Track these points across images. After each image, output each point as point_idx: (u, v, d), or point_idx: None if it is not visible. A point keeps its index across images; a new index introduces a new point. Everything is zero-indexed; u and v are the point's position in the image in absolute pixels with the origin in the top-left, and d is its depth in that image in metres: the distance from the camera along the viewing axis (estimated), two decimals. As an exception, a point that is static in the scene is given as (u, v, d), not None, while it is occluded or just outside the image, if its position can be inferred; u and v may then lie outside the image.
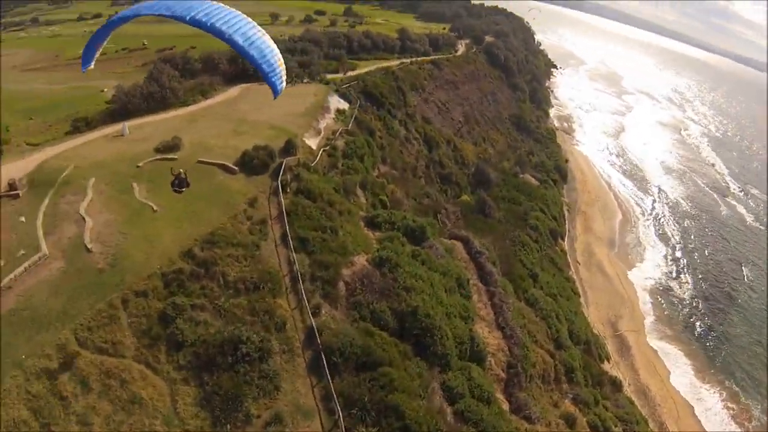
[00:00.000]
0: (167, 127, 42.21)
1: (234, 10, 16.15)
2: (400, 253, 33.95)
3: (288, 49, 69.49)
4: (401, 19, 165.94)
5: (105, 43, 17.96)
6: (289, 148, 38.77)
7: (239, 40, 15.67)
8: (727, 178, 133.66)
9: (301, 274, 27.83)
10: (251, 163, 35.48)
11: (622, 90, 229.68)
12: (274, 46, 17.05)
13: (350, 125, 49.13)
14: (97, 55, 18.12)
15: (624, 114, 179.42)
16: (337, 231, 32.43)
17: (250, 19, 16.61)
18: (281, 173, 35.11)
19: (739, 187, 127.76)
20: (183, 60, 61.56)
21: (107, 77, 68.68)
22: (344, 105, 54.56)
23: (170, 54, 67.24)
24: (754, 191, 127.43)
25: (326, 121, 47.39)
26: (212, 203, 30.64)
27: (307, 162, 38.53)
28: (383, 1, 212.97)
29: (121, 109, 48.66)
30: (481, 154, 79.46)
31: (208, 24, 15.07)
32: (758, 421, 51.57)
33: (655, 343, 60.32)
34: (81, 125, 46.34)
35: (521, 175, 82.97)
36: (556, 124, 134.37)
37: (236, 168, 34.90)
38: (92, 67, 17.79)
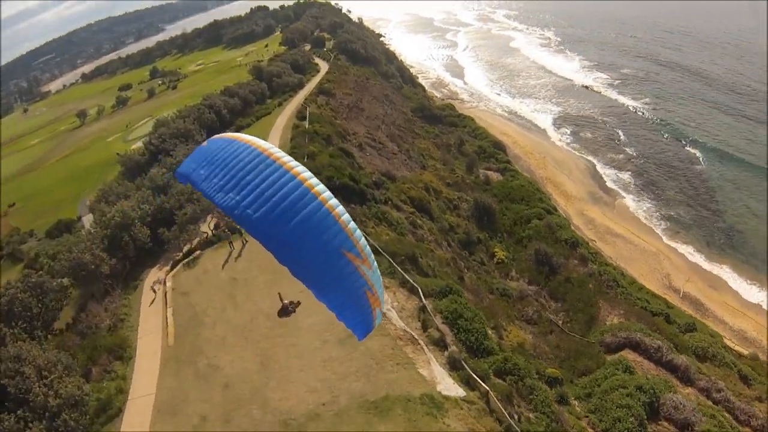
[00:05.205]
0: None
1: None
2: None
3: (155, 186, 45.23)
4: (212, 56, 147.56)
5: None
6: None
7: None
8: (599, 73, 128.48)
9: None
10: None
11: (441, 30, 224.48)
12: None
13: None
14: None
15: (464, 50, 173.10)
16: None
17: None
18: None
19: (615, 76, 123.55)
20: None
21: None
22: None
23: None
24: (626, 71, 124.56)
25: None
26: None
27: None
28: (182, 47, 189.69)
29: None
30: (444, 177, 64.46)
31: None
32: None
33: (709, 276, 56.23)
34: None
35: (481, 175, 71.41)
36: (437, 94, 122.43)
37: None
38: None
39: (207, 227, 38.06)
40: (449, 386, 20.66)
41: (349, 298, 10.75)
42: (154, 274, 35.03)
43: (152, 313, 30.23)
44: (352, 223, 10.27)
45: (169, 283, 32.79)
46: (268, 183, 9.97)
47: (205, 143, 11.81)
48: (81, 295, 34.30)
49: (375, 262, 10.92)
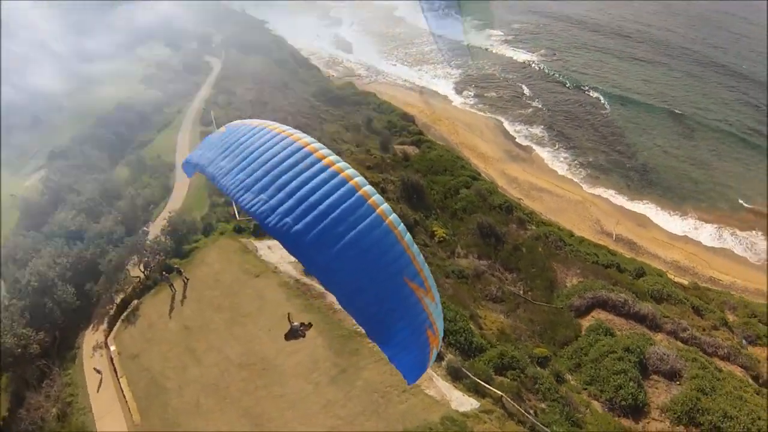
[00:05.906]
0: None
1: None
2: None
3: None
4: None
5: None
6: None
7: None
8: (491, 31, 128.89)
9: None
10: None
11: (324, 7, 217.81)
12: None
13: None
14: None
15: (351, 25, 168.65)
16: None
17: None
18: None
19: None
20: None
21: None
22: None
23: None
24: (516, 26, 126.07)
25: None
26: None
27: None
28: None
29: None
30: (362, 160, 61.81)
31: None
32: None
33: (634, 215, 59.90)
34: None
35: (398, 152, 69.28)
36: (334, 73, 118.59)
37: None
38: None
39: (138, 269, 33.25)
40: (460, 400, 18.77)
41: (410, 336, 8.49)
42: (90, 337, 30.12)
43: (103, 387, 25.85)
44: (415, 246, 8.04)
45: (112, 347, 28.14)
46: (311, 186, 7.66)
47: (223, 128, 9.24)
48: (12, 380, 29.08)
49: (438, 294, 8.71)
